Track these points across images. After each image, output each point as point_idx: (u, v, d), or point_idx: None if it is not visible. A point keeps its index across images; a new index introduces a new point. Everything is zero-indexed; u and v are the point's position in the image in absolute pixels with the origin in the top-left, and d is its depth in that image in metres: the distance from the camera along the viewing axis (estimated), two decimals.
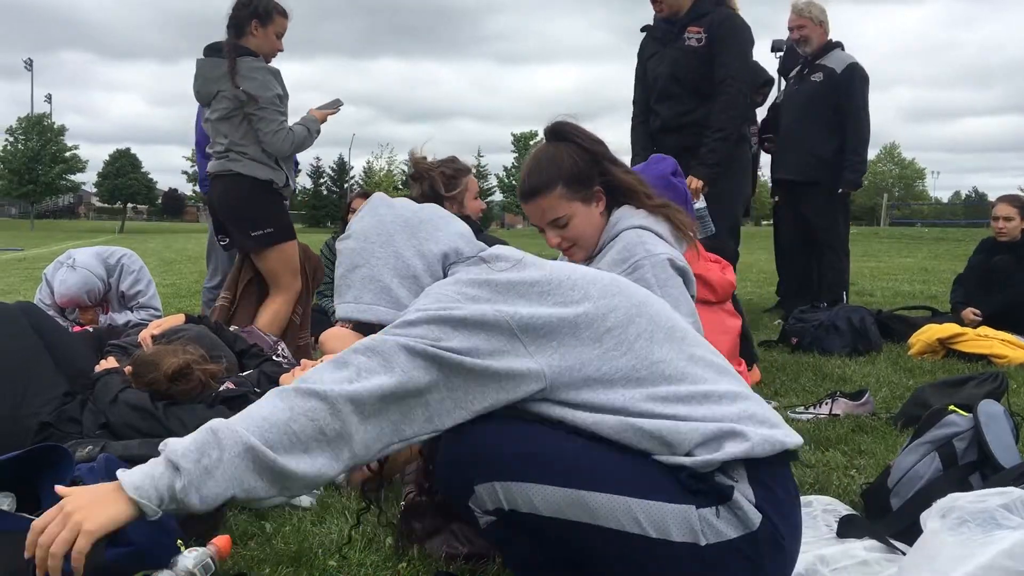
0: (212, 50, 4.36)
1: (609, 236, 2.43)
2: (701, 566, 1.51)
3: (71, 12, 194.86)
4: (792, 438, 1.60)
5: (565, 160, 2.38)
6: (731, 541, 1.50)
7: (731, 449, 1.52)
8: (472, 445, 1.57)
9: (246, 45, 4.27)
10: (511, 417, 1.58)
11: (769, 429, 1.58)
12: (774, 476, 1.57)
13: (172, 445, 1.45)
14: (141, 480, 1.42)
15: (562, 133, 2.43)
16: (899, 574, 1.74)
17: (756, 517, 1.52)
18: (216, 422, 1.47)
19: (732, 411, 1.57)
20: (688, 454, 1.52)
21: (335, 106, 4.65)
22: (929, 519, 1.63)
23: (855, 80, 5.91)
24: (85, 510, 1.42)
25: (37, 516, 1.84)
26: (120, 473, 1.44)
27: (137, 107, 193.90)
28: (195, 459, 1.41)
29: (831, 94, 5.91)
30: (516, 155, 61.92)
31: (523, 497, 1.54)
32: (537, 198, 2.41)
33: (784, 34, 7.31)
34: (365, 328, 1.73)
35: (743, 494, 1.52)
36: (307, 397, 1.46)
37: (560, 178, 2.38)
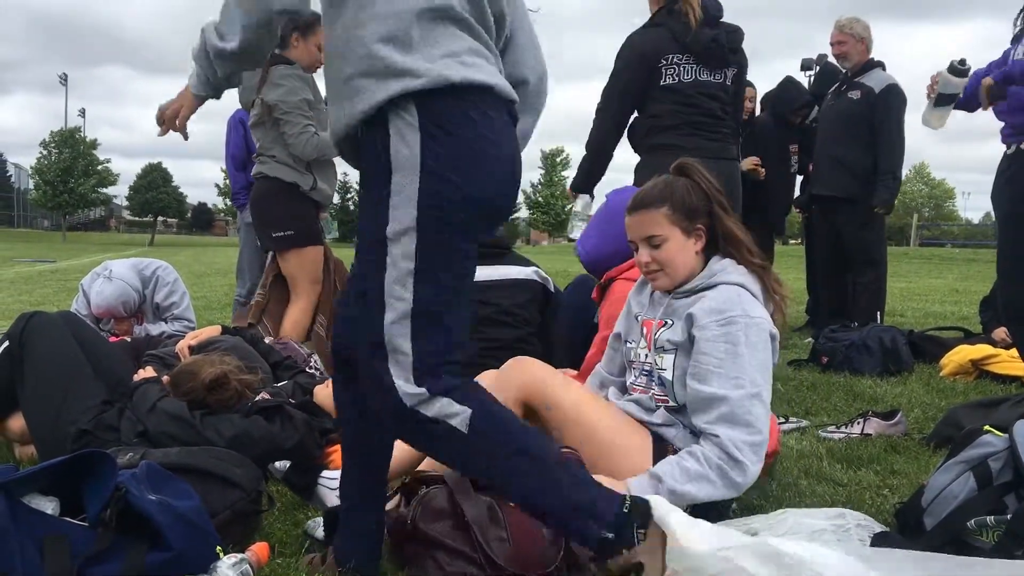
0: None
1: (706, 282, 2.43)
2: None
3: (112, 29, 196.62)
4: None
5: (679, 189, 2.46)
6: None
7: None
8: None
9: (286, 56, 4.40)
10: None
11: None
12: None
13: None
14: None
15: (685, 170, 2.51)
16: None
17: None
18: None
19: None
20: None
21: None
22: None
23: (892, 101, 5.85)
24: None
25: (80, 520, 1.90)
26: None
27: None
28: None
29: (867, 112, 5.86)
30: (543, 172, 61.91)
31: None
32: (642, 210, 2.48)
33: (814, 52, 7.32)
34: None
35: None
36: None
37: (669, 200, 2.45)
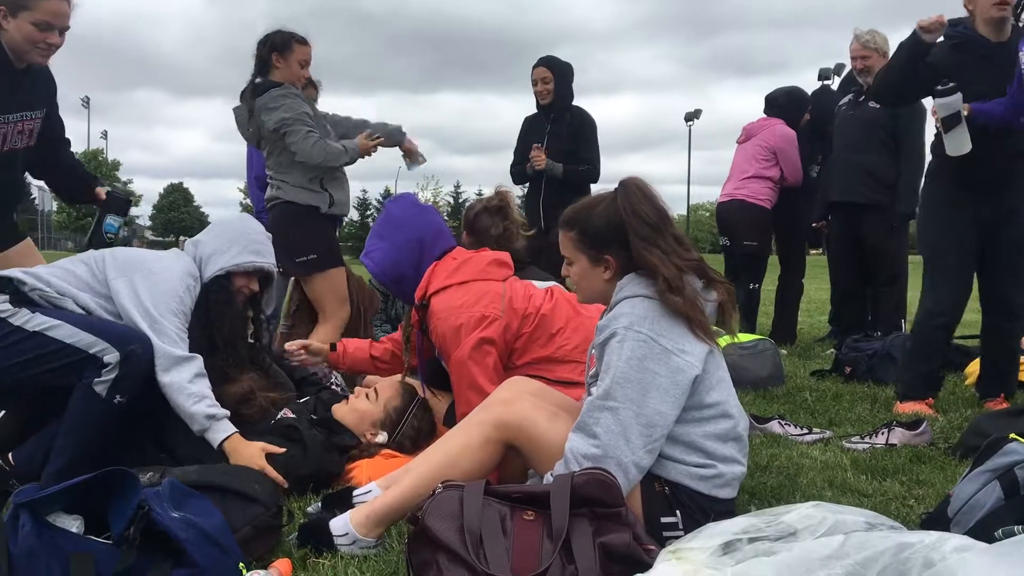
0: (244, 96, 4.54)
1: (613, 302, 2.34)
2: None
3: (148, 54, 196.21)
4: None
5: (597, 214, 2.35)
6: None
7: None
8: None
9: (272, 79, 4.38)
10: None
11: None
12: None
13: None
14: None
15: (624, 189, 2.35)
16: None
17: None
18: None
19: None
20: None
21: (416, 159, 4.81)
22: None
23: (914, 112, 5.78)
24: None
25: (105, 539, 1.91)
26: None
27: (200, 143, 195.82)
28: None
29: (889, 122, 5.81)
30: None
31: None
32: (561, 229, 2.43)
33: (831, 62, 7.28)
34: None
35: None
36: None
37: (579, 225, 2.37)
